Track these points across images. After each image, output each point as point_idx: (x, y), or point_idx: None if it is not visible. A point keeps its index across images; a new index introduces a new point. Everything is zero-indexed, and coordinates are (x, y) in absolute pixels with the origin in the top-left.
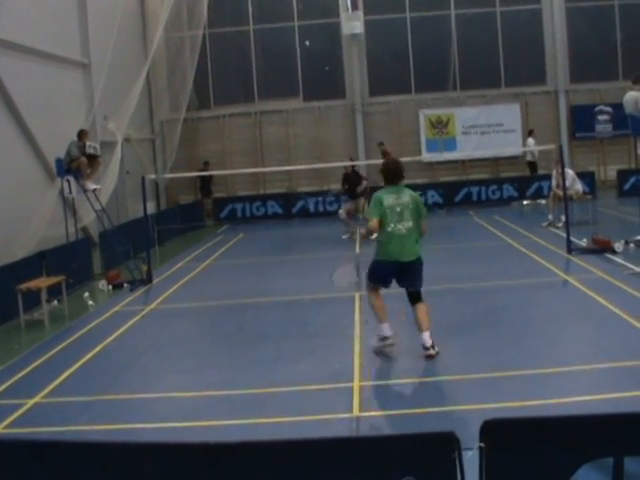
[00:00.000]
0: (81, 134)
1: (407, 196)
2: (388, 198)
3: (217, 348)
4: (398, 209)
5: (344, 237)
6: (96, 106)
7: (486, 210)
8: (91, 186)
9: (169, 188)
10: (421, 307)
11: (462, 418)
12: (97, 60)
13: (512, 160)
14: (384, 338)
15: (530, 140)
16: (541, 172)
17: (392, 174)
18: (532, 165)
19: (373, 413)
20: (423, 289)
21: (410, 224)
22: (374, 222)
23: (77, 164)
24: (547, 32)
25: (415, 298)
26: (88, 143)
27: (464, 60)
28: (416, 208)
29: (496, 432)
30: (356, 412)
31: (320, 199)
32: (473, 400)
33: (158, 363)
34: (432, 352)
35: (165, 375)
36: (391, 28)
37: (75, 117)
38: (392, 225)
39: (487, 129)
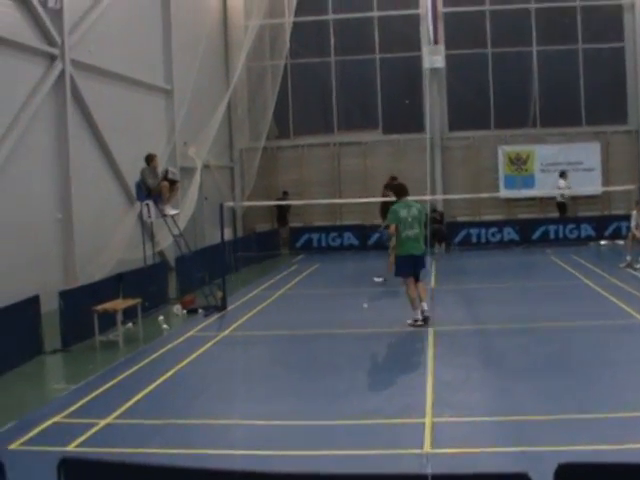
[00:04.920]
0: (149, 159)
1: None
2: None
3: (289, 377)
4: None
5: (377, 280)
6: (177, 132)
7: (563, 249)
8: (170, 211)
9: (246, 216)
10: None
11: (536, 459)
12: (180, 87)
13: (590, 199)
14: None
15: (561, 182)
16: (617, 212)
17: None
18: (561, 206)
19: (445, 450)
20: (498, 327)
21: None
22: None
23: (159, 188)
24: (629, 71)
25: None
26: (170, 169)
27: (545, 97)
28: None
29: (570, 476)
30: (427, 448)
31: None
32: (547, 441)
33: (230, 390)
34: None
35: (236, 402)
36: (472, 63)
37: (156, 142)
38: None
39: (566, 167)
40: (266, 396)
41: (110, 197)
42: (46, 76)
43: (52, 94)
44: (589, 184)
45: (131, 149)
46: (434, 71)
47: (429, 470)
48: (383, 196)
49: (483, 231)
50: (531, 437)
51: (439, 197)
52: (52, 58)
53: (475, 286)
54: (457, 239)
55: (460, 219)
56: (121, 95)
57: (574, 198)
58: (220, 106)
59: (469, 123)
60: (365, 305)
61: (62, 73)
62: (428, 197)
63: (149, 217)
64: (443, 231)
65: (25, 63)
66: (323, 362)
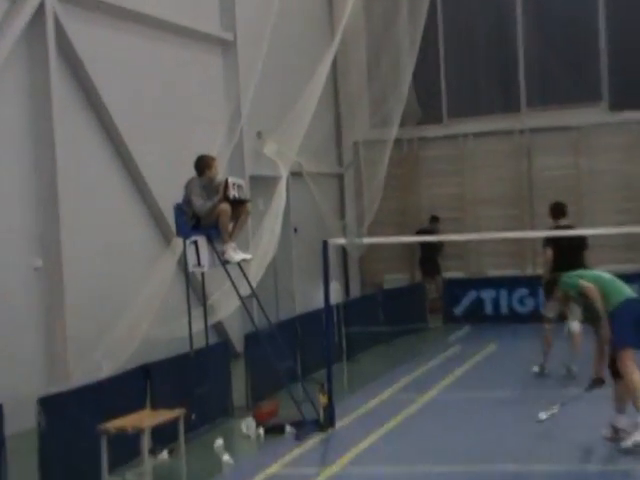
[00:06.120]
0: (202, 164)
1: None
2: None
3: None
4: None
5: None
6: (244, 115)
7: None
8: (236, 255)
9: (367, 260)
10: None
11: None
12: (248, 36)
13: None
14: None
15: None
16: None
17: None
18: None
19: None
20: None
21: None
22: None
23: (215, 214)
24: None
25: None
26: (233, 180)
27: None
28: None
29: None
30: None
31: None
32: None
33: None
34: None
35: None
36: None
37: (208, 133)
38: None
39: None
40: None
41: (128, 228)
42: (12, 15)
43: (23, 45)
44: None
45: (163, 143)
46: None
47: None
48: None
49: None
50: None
51: None
52: None
53: None
54: None
55: None
56: (145, 49)
57: None
58: (319, 71)
59: None
60: (543, 416)
61: (40, 8)
62: None
63: (198, 265)
64: None
65: None
66: None
